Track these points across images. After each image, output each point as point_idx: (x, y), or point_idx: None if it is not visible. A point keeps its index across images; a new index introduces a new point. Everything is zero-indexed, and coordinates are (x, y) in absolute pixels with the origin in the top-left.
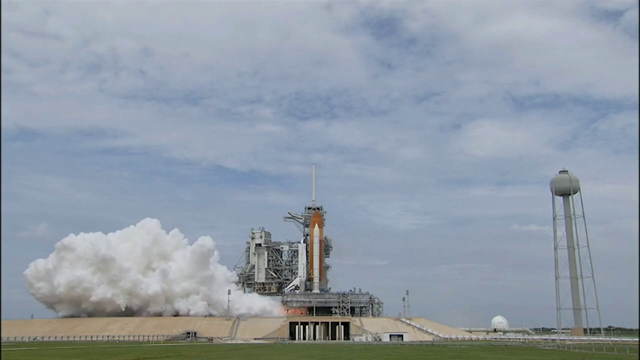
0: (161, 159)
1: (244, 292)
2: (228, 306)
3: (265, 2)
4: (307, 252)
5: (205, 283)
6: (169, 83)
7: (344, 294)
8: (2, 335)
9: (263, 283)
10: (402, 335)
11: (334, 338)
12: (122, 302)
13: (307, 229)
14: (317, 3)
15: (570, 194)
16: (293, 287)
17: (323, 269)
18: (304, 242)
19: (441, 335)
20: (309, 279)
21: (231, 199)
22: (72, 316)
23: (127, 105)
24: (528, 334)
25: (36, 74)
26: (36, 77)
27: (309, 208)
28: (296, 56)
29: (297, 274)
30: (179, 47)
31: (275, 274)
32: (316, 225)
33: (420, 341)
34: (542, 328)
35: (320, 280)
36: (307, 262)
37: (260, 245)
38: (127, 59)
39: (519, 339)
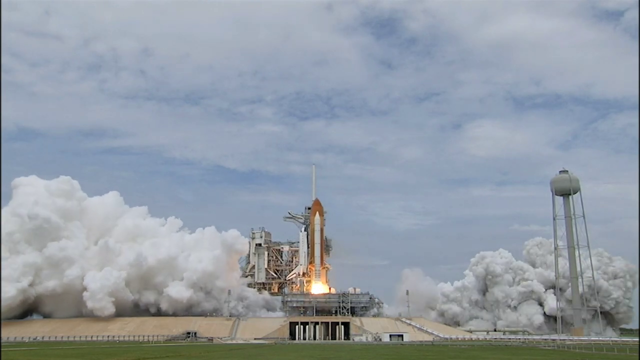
0: (161, 159)
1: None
2: (228, 306)
3: (265, 2)
4: (307, 241)
5: (232, 284)
6: (169, 83)
7: (344, 294)
8: (2, 335)
9: (263, 283)
10: (402, 335)
11: (334, 338)
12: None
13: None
14: (317, 3)
15: (570, 194)
16: (295, 274)
17: (324, 255)
18: (304, 230)
19: (441, 335)
20: (309, 269)
21: (231, 199)
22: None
23: (127, 105)
24: (528, 334)
25: (36, 73)
26: (36, 77)
27: (309, 208)
28: (296, 56)
29: (297, 275)
30: (179, 47)
31: (276, 274)
32: (317, 213)
33: (420, 341)
34: None
35: (321, 267)
36: (308, 250)
37: (260, 245)
38: (128, 59)
39: (519, 339)
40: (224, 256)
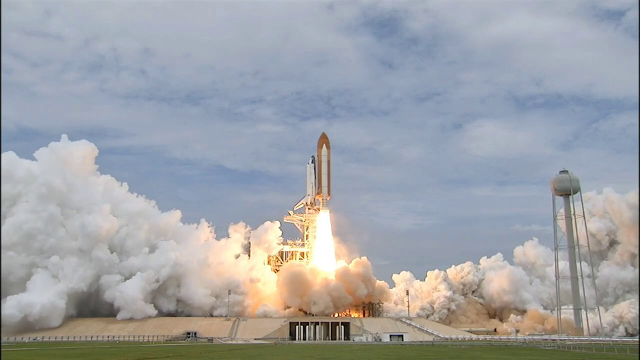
0: (162, 159)
1: None
2: (228, 306)
3: (266, 2)
4: (315, 171)
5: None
6: (170, 83)
7: None
8: (2, 335)
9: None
10: (402, 336)
11: (334, 338)
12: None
13: (307, 230)
14: (318, 3)
15: (570, 194)
16: (302, 205)
17: (330, 188)
18: (312, 162)
19: (441, 336)
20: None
21: (232, 199)
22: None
23: (128, 105)
24: (529, 334)
25: (37, 74)
26: (37, 77)
27: (310, 208)
28: (297, 56)
29: (304, 204)
30: (180, 47)
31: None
32: (324, 145)
33: (421, 341)
34: None
35: (328, 198)
36: (316, 180)
37: None
38: (128, 59)
39: (519, 339)
40: (253, 259)
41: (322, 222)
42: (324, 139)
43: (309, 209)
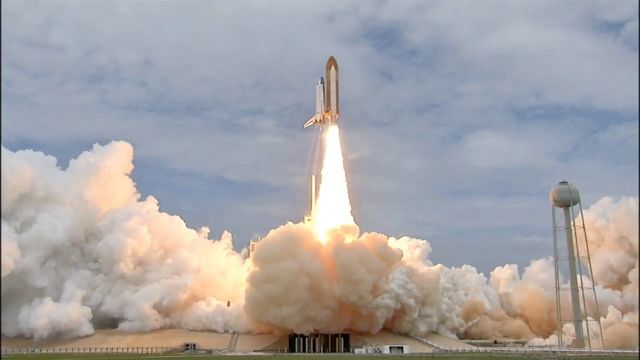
0: (162, 171)
1: None
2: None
3: (266, 13)
4: (324, 91)
5: None
6: (170, 94)
7: None
8: (2, 337)
9: None
10: (402, 348)
11: (333, 350)
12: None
13: None
14: (318, 14)
15: (570, 205)
16: (312, 122)
17: (339, 106)
18: (320, 83)
19: (442, 347)
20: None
21: (232, 210)
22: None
23: (128, 116)
24: (529, 346)
25: (37, 85)
26: (37, 88)
27: (309, 219)
28: (297, 67)
29: (314, 122)
30: (181, 59)
31: None
32: (332, 67)
33: (421, 353)
34: None
35: (337, 116)
36: (325, 97)
37: None
38: (129, 70)
39: (520, 351)
40: None
41: (331, 138)
42: (332, 61)
43: (319, 122)
